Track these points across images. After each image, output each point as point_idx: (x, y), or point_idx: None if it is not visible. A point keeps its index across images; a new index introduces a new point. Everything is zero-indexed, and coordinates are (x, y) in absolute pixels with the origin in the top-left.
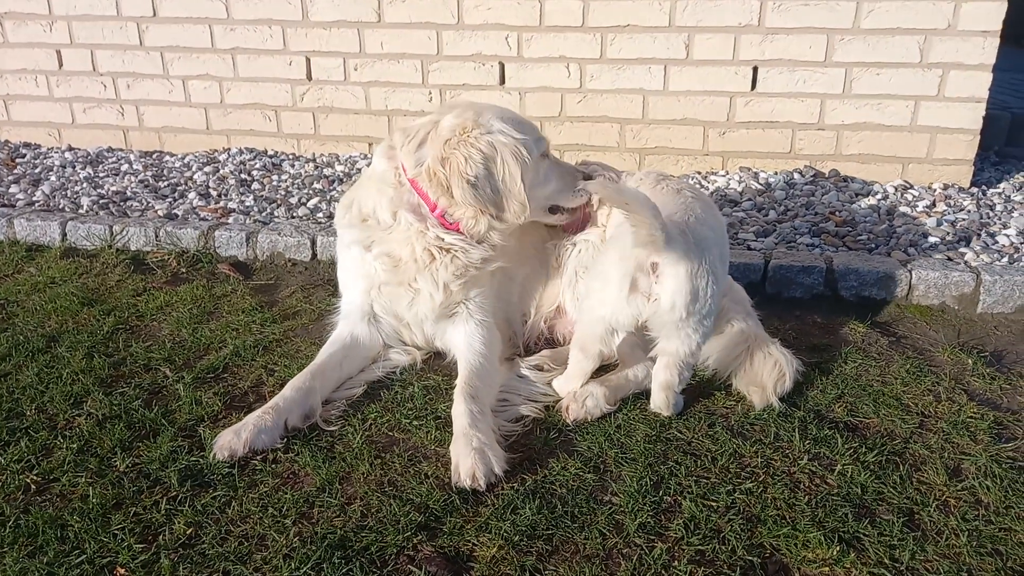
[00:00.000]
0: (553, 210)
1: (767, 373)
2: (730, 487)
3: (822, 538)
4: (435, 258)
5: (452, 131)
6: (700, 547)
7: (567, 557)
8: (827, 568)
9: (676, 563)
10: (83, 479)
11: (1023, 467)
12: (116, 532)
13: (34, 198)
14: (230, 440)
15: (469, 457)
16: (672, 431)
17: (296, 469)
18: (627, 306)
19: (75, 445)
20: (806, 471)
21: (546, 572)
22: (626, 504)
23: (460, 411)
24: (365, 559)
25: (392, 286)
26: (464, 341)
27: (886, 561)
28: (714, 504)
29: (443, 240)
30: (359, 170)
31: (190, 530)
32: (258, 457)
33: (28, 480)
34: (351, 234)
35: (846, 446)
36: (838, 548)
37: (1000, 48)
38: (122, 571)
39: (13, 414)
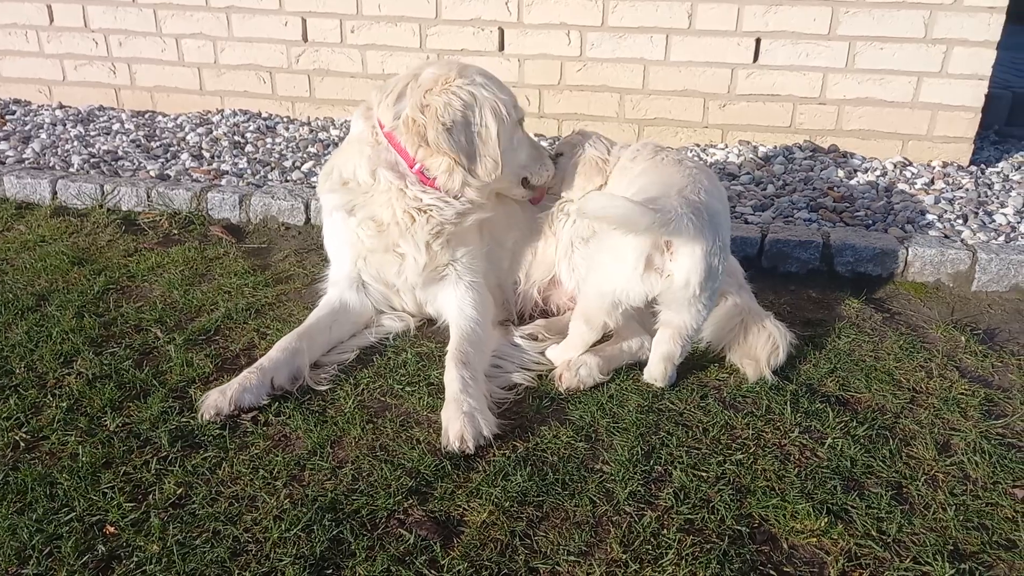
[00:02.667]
0: (523, 184)
1: (761, 346)
2: (721, 458)
3: (810, 509)
4: (415, 220)
5: (434, 80)
6: (689, 516)
7: (557, 523)
8: (815, 539)
9: (665, 531)
10: (73, 438)
11: (1012, 443)
12: (106, 491)
13: (24, 155)
14: (216, 399)
15: (458, 420)
16: (664, 402)
17: (287, 432)
18: (640, 283)
19: (65, 404)
20: (796, 444)
21: (536, 538)
22: (617, 473)
23: (452, 377)
24: (356, 522)
25: (379, 253)
26: (455, 305)
27: (873, 533)
28: (704, 474)
29: (421, 200)
30: None
31: (180, 490)
32: (248, 418)
33: (17, 437)
34: (333, 199)
35: (837, 420)
36: (826, 519)
37: (1003, 26)
38: (112, 529)
39: (2, 372)
